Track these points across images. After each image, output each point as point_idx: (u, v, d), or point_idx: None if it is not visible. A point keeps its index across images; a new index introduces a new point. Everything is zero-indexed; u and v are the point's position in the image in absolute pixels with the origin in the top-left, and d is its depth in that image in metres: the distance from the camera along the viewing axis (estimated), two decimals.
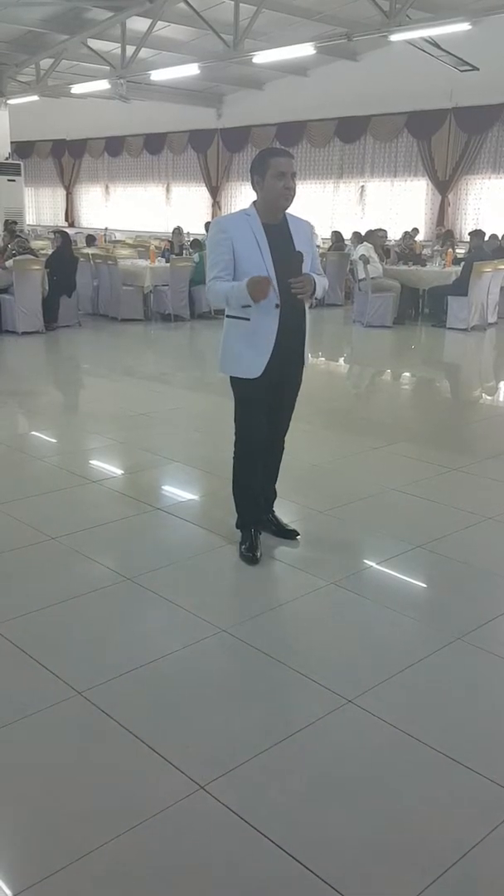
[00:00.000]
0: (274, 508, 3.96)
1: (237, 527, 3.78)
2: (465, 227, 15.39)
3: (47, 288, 9.71)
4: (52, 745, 2.42)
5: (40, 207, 23.18)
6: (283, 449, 3.87)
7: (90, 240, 13.84)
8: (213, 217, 18.87)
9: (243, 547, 3.70)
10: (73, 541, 3.84)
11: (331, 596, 3.37)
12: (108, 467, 5.07)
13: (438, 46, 11.06)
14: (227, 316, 3.59)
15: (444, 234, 14.22)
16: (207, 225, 14.87)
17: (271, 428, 3.74)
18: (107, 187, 21.67)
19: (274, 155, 3.43)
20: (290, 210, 3.52)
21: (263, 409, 3.63)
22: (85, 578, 3.47)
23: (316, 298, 3.53)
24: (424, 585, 3.57)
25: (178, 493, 4.62)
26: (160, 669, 2.80)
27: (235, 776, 2.27)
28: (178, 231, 12.64)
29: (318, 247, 13.46)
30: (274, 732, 2.45)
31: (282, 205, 3.42)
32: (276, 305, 3.43)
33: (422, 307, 11.95)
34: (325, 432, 5.80)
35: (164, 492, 4.68)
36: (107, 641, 3.00)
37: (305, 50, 11.74)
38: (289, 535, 3.88)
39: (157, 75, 13.45)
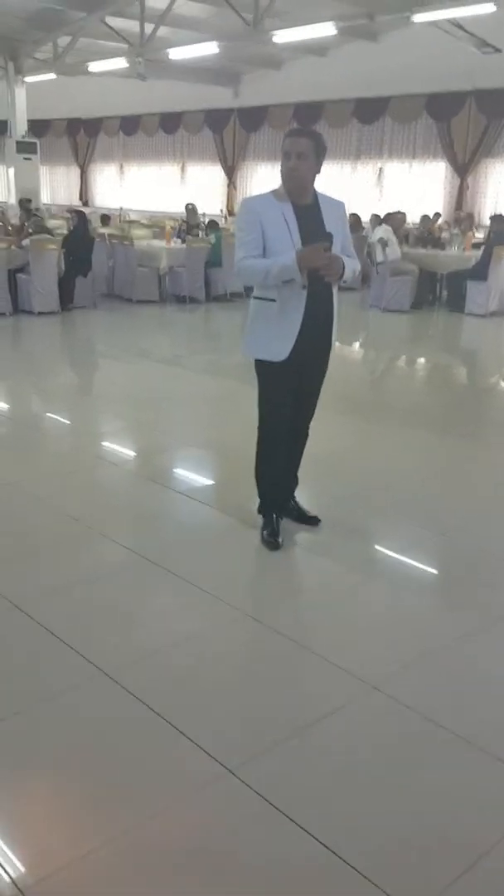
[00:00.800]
0: (295, 494, 3.95)
1: (259, 512, 3.78)
2: (484, 210, 15.22)
3: (63, 268, 9.66)
4: (80, 727, 2.44)
5: (55, 186, 23.07)
6: (308, 436, 3.84)
7: (105, 219, 13.75)
8: (228, 198, 18.78)
9: (265, 532, 3.69)
10: (95, 522, 3.85)
11: (353, 582, 3.37)
12: (128, 449, 5.07)
13: (461, 27, 10.89)
14: (254, 297, 3.55)
15: (465, 218, 14.06)
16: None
17: (296, 414, 3.70)
18: (121, 166, 21.53)
19: (287, 135, 3.41)
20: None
21: (288, 394, 3.60)
22: (108, 559, 3.48)
23: (345, 281, 3.48)
24: (447, 572, 3.56)
25: (198, 476, 4.62)
26: (185, 652, 2.81)
27: (264, 761, 2.28)
28: (192, 209, 12.51)
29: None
30: (302, 718, 2.46)
31: (287, 185, 3.39)
32: (304, 287, 3.37)
33: (440, 291, 11.84)
34: (342, 417, 5.77)
35: (183, 475, 4.67)
36: (131, 623, 3.01)
37: (327, 30, 11.59)
38: (311, 521, 3.87)
39: (176, 54, 13.32)
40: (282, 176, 3.41)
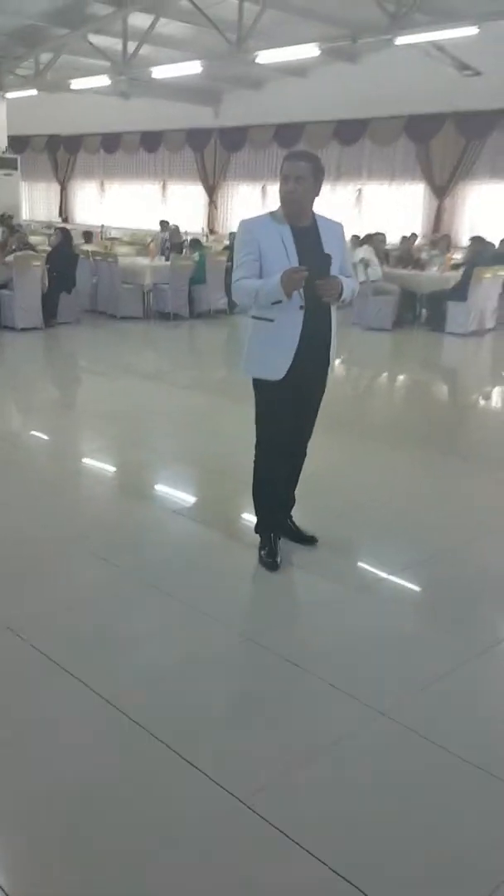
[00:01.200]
0: (292, 514, 3.92)
1: (256, 531, 3.74)
2: (462, 232, 15.40)
3: (47, 284, 9.60)
4: (83, 755, 2.37)
5: (34, 203, 22.99)
6: (305, 455, 3.82)
7: (88, 236, 13.73)
8: (209, 217, 18.83)
9: (263, 552, 3.65)
10: (87, 542, 3.79)
11: (353, 604, 3.33)
12: (117, 467, 5.02)
13: (442, 50, 11.04)
14: (252, 317, 3.54)
15: (441, 239, 14.21)
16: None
17: (293, 433, 3.68)
18: (102, 184, 21.52)
19: (285, 159, 3.44)
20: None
21: (287, 413, 3.57)
22: (103, 581, 3.42)
23: (343, 301, 3.48)
24: (448, 593, 3.53)
25: (189, 494, 4.58)
26: (188, 678, 2.76)
27: (275, 790, 2.23)
28: (174, 230, 12.55)
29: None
30: (311, 745, 2.42)
31: (286, 208, 3.40)
32: (301, 307, 3.38)
33: (419, 311, 11.94)
34: (329, 437, 5.76)
35: (174, 492, 4.62)
36: (130, 647, 2.95)
37: (310, 51, 11.70)
38: (308, 541, 3.84)
39: (159, 72, 13.36)
40: (280, 198, 3.42)
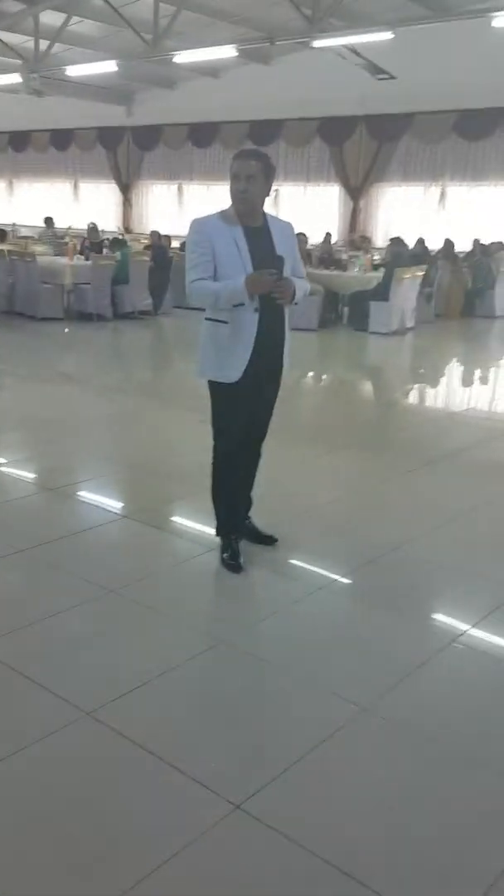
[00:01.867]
0: (249, 514, 3.91)
1: (217, 534, 3.72)
2: (377, 233, 15.75)
3: None
4: (67, 770, 2.31)
5: None
6: (260, 455, 3.82)
7: (2, 235, 13.36)
8: (124, 216, 18.64)
9: (225, 555, 3.64)
10: (45, 553, 3.68)
11: (319, 602, 3.35)
12: (63, 474, 4.89)
13: (358, 54, 11.25)
14: (206, 319, 3.52)
15: (360, 240, 14.49)
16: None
17: (251, 434, 3.69)
18: (11, 182, 21.02)
19: (235, 157, 3.42)
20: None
21: (242, 415, 3.57)
22: (68, 592, 3.33)
23: (296, 303, 3.50)
24: (409, 588, 3.59)
25: (141, 499, 4.51)
26: (165, 685, 2.72)
27: (268, 793, 2.23)
28: (93, 228, 12.36)
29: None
30: (297, 746, 2.42)
31: (237, 208, 3.39)
32: (256, 310, 3.37)
33: (341, 311, 12.13)
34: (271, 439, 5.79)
35: (125, 498, 4.55)
36: (103, 658, 2.89)
37: (226, 52, 11.74)
38: (266, 540, 3.84)
39: (74, 71, 13.15)
40: (232, 198, 3.40)
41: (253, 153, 3.49)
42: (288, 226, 3.61)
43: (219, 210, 3.48)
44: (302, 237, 11.66)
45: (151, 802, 2.20)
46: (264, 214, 3.48)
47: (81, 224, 18.31)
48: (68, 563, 3.59)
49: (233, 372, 3.44)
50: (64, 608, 3.19)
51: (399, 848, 2.08)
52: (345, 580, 3.57)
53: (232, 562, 3.61)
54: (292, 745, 2.42)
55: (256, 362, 3.44)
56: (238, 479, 3.70)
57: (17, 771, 2.28)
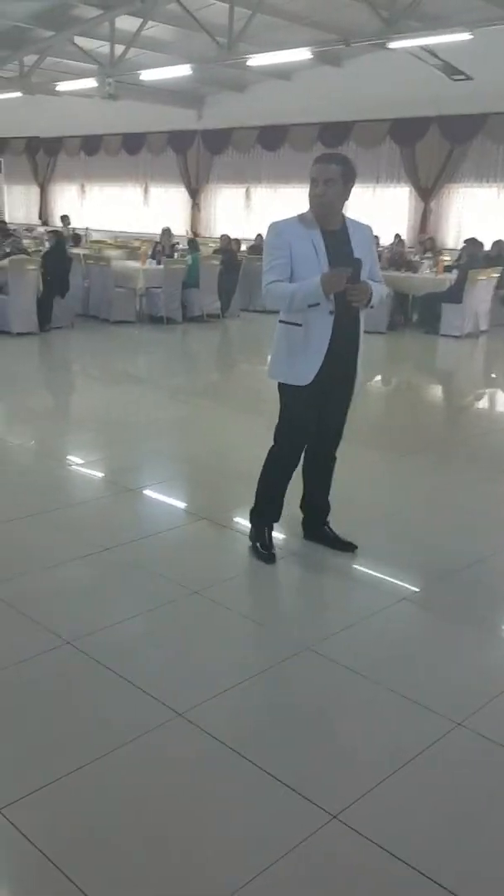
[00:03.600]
0: (328, 520, 3.89)
1: (251, 521, 3.79)
2: (448, 235, 15.52)
3: (41, 288, 9.51)
4: (164, 773, 2.32)
5: (13, 205, 22.75)
6: (335, 460, 3.81)
7: (77, 239, 13.63)
8: (192, 220, 18.77)
9: (258, 543, 3.72)
10: (126, 552, 3.73)
11: (402, 613, 3.30)
12: (139, 475, 4.94)
13: (435, 55, 11.10)
14: (281, 321, 3.52)
15: (427, 242, 14.30)
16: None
17: (321, 439, 3.70)
18: (83, 186, 21.36)
19: (315, 161, 3.41)
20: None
21: (310, 418, 3.59)
22: (151, 592, 3.36)
23: (373, 306, 3.47)
24: (492, 602, 3.51)
25: (215, 501, 4.51)
26: (254, 690, 2.72)
27: (365, 804, 2.20)
28: (167, 232, 12.49)
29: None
30: (394, 758, 2.38)
31: (315, 211, 3.39)
32: (331, 312, 3.37)
33: (411, 313, 12.00)
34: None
35: (200, 499, 4.56)
36: (190, 659, 2.90)
37: (301, 55, 11.72)
38: (347, 547, 3.82)
39: (148, 75, 13.28)
40: (310, 201, 3.40)
41: (335, 157, 3.47)
42: (367, 228, 3.59)
43: (297, 213, 3.49)
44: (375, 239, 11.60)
45: (248, 808, 2.20)
46: (343, 217, 3.47)
47: (151, 228, 18.59)
48: (151, 563, 3.62)
49: (306, 374, 3.45)
50: (149, 608, 3.22)
51: (495, 863, 2.03)
52: (426, 592, 3.51)
53: (264, 551, 3.68)
54: (386, 757, 2.39)
55: (330, 366, 3.43)
56: (288, 479, 3.72)
57: (111, 770, 2.30)
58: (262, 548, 3.69)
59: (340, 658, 2.90)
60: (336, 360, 3.44)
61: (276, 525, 3.80)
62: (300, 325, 3.41)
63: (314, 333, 3.40)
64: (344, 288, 3.25)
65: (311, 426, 3.60)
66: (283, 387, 3.56)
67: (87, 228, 17.51)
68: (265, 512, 3.76)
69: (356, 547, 3.82)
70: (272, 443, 3.67)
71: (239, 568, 3.66)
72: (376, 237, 11.89)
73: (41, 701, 2.62)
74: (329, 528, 3.88)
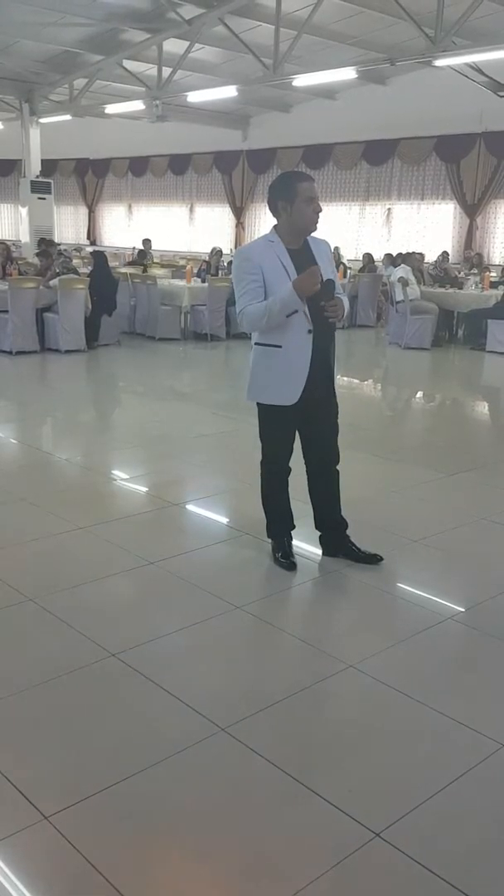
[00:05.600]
0: (348, 535, 3.88)
1: (268, 535, 3.87)
2: (494, 250, 15.42)
3: (90, 307, 9.68)
4: (207, 785, 2.33)
5: (62, 225, 23.22)
6: (338, 474, 3.82)
7: (142, 255, 14.03)
8: (237, 238, 18.94)
9: (279, 554, 3.79)
10: (170, 567, 3.76)
11: (445, 634, 3.27)
12: (183, 490, 4.99)
13: (480, 71, 11.09)
14: (257, 344, 3.57)
15: (475, 258, 14.22)
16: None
17: (318, 457, 3.74)
18: (130, 206, 21.73)
19: (301, 180, 3.45)
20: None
21: (291, 435, 3.69)
22: (195, 606, 3.38)
23: (343, 321, 3.53)
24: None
25: (258, 517, 4.51)
26: (296, 706, 2.71)
27: (409, 822, 2.19)
28: (216, 252, 12.65)
29: (349, 268, 13.50)
30: (439, 777, 2.36)
31: (311, 229, 3.46)
32: (309, 331, 3.43)
33: (455, 330, 11.93)
34: (385, 461, 5.72)
35: (243, 515, 4.54)
36: (233, 674, 2.92)
37: (346, 74, 11.80)
38: (370, 559, 3.81)
39: (195, 97, 13.50)
40: (303, 220, 3.42)
41: (310, 176, 3.56)
42: (326, 244, 3.66)
43: (262, 236, 3.59)
44: (417, 256, 11.59)
45: (290, 824, 2.19)
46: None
47: (196, 247, 18.78)
48: (194, 578, 3.64)
49: (290, 395, 3.52)
50: (192, 622, 3.25)
51: None
52: (473, 612, 3.47)
53: (284, 560, 3.74)
54: (430, 776, 2.37)
55: (312, 383, 3.50)
56: (286, 493, 3.81)
57: (155, 782, 2.32)
58: (283, 557, 3.77)
59: (384, 676, 2.89)
60: (317, 376, 3.51)
61: (309, 542, 3.82)
62: (279, 346, 3.47)
63: (295, 353, 3.46)
64: (318, 288, 3.30)
65: (291, 441, 3.70)
66: (264, 408, 3.64)
67: (134, 248, 17.78)
68: (277, 525, 3.85)
69: (381, 559, 3.81)
70: (259, 461, 3.79)
71: (281, 584, 3.67)
72: (420, 254, 11.91)
73: (87, 712, 2.66)
74: (351, 542, 3.87)
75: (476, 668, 3.03)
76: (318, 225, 3.45)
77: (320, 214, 3.44)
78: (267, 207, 3.58)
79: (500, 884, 2.01)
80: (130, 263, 14.20)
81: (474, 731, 2.59)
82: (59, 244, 13.39)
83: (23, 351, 9.29)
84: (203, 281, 11.25)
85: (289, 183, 3.42)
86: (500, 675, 2.97)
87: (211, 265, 12.13)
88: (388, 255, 13.95)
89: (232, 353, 10.68)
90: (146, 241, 15.11)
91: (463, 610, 3.45)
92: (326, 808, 2.23)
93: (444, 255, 14.07)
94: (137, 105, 14.40)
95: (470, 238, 15.53)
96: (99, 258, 10.55)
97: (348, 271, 13.25)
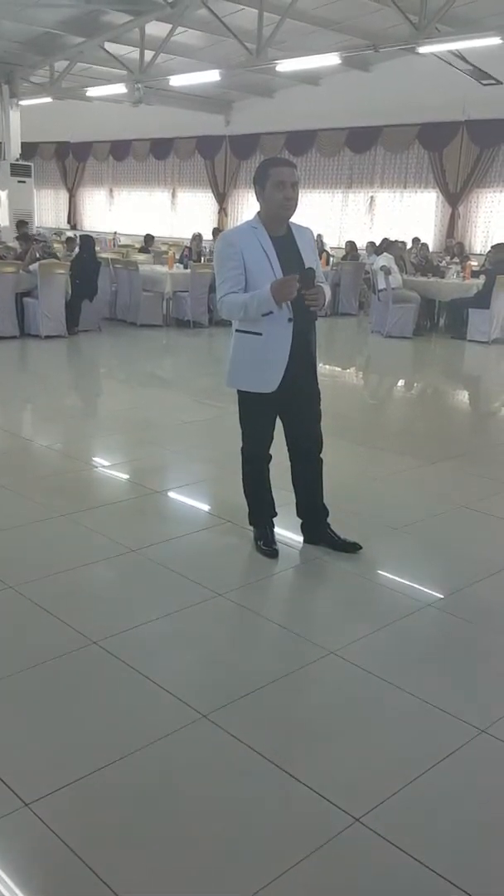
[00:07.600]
0: (329, 523, 3.89)
1: (250, 523, 3.88)
2: (475, 239, 15.47)
3: (70, 292, 9.60)
4: (191, 774, 2.34)
5: (42, 209, 23.01)
6: (322, 462, 3.82)
7: (149, 240, 13.97)
8: (219, 224, 18.85)
9: (260, 542, 3.80)
10: (151, 554, 3.76)
11: (427, 620, 3.29)
12: (165, 477, 4.98)
13: (464, 59, 11.07)
14: (238, 331, 3.56)
15: (456, 247, 14.25)
16: (215, 232, 14.92)
17: (300, 444, 3.75)
18: (111, 191, 21.56)
19: (274, 164, 3.43)
20: (294, 219, 3.51)
21: (272, 421, 3.68)
22: (176, 594, 3.38)
23: (325, 310, 3.52)
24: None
25: (240, 504, 4.51)
26: (278, 692, 2.72)
27: (389, 807, 2.20)
28: (196, 237, 12.58)
29: (331, 256, 13.50)
30: (418, 763, 2.38)
31: (282, 215, 3.41)
32: (290, 319, 3.42)
33: (437, 319, 11.97)
34: (366, 448, 5.74)
35: (225, 502, 4.54)
36: (214, 661, 2.92)
37: (330, 59, 11.75)
38: (349, 548, 3.82)
39: (177, 81, 13.40)
40: (274, 206, 3.39)
41: (290, 161, 3.55)
42: (309, 231, 3.66)
43: (246, 222, 3.56)
44: (400, 245, 11.60)
45: (270, 810, 2.21)
46: (288, 223, 3.50)
47: (179, 232, 18.68)
48: (176, 565, 3.64)
49: (270, 382, 3.51)
50: (174, 610, 3.24)
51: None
52: (452, 598, 3.49)
53: (266, 548, 3.76)
54: (410, 761, 2.39)
55: (292, 371, 3.50)
56: (266, 479, 3.80)
57: (136, 769, 2.32)
58: (265, 545, 3.78)
59: (364, 662, 2.91)
60: (296, 363, 3.50)
61: (291, 529, 3.82)
62: (260, 333, 3.46)
63: (275, 341, 3.45)
64: (295, 296, 3.28)
65: (270, 427, 3.70)
66: (245, 395, 3.63)
67: (115, 233, 17.65)
68: (259, 512, 3.85)
69: (360, 547, 3.83)
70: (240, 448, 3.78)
71: (263, 571, 3.67)
72: (403, 243, 11.91)
73: (67, 700, 2.65)
74: (331, 530, 3.88)
75: (455, 653, 3.06)
76: (292, 211, 3.39)
77: (298, 200, 3.39)
78: (249, 193, 3.56)
79: (480, 868, 2.03)
80: (140, 250, 14.08)
81: (453, 716, 2.61)
82: (34, 231, 13.21)
83: (2, 336, 9.22)
84: (185, 267, 11.19)
85: (264, 167, 3.41)
86: (479, 661, 2.99)
87: (193, 251, 12.06)
88: (371, 244, 13.95)
89: (214, 341, 10.65)
90: (149, 238, 14.96)
91: (442, 597, 3.48)
92: (307, 794, 2.24)
93: (416, 241, 14.08)
94: (119, 88, 14.27)
95: (452, 227, 15.57)
96: (87, 241, 10.43)
97: (331, 259, 13.24)
